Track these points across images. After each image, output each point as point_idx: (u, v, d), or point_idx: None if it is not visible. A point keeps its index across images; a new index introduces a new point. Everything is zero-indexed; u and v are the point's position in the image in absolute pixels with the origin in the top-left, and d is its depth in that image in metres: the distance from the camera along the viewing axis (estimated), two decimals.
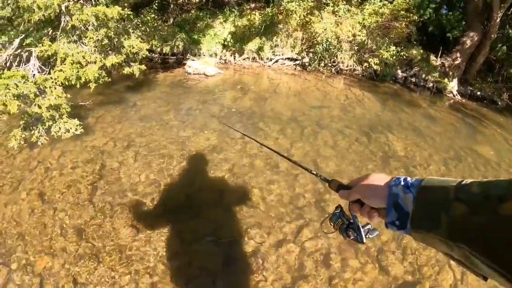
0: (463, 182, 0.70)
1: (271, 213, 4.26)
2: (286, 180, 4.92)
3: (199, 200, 4.43)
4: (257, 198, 4.50)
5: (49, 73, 5.98)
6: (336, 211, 1.15)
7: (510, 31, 11.88)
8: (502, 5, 10.60)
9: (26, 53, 6.12)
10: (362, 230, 1.03)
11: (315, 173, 1.31)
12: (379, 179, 0.91)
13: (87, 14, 6.04)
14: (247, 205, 4.38)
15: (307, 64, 11.95)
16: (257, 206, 4.36)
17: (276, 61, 12.07)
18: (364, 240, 1.04)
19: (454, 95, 11.73)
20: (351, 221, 1.07)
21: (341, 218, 1.12)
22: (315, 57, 11.64)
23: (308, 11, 11.42)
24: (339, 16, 11.85)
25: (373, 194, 0.90)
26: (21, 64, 6.10)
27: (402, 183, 0.82)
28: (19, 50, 6.03)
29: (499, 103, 11.89)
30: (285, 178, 4.97)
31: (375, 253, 3.82)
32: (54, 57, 6.02)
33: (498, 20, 10.81)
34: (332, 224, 1.15)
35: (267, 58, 11.98)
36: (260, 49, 11.73)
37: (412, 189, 0.79)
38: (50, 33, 6.51)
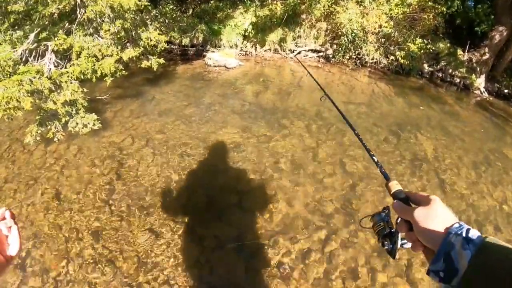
0: None
1: (297, 219, 4.02)
2: (312, 184, 4.65)
3: (221, 202, 4.22)
4: (282, 203, 4.25)
5: (65, 67, 5.80)
6: (382, 213, 1.03)
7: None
8: None
9: (42, 47, 5.95)
10: (398, 244, 0.93)
11: (376, 160, 1.25)
12: (442, 216, 0.79)
13: (102, 6, 5.81)
14: (271, 209, 4.14)
15: (331, 56, 11.57)
16: (282, 211, 4.12)
17: (299, 53, 11.72)
18: (396, 257, 0.96)
19: (481, 92, 11.16)
20: (393, 230, 0.96)
21: (383, 222, 1.00)
22: (340, 49, 11.22)
23: (333, 1, 11.00)
24: (364, 7, 11.37)
25: (428, 232, 0.79)
26: (37, 59, 5.93)
27: (464, 234, 0.71)
28: (34, 45, 5.86)
29: None
30: (311, 181, 4.71)
31: (404, 267, 3.57)
32: (70, 51, 5.85)
33: None
34: (372, 223, 1.05)
35: (290, 50, 11.65)
36: (282, 40, 11.38)
37: (471, 245, 0.69)
38: (66, 26, 6.33)
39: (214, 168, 4.86)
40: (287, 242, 3.68)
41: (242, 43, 11.40)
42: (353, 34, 10.92)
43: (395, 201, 0.93)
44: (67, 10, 6.07)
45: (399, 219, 0.90)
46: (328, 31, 11.59)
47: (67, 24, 6.33)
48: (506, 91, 11.30)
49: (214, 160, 5.00)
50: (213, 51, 10.59)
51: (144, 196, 4.16)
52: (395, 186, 0.99)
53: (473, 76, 11.09)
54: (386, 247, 0.96)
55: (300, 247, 3.64)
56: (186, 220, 3.88)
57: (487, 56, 11.20)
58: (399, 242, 0.92)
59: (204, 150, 5.19)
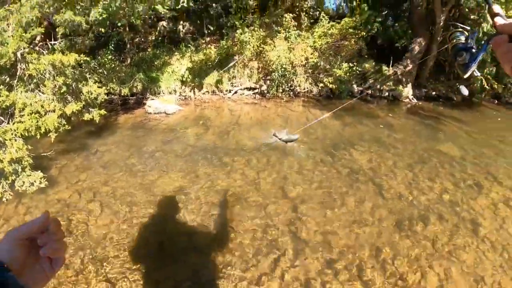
0: None
1: (246, 249, 4.27)
2: (256, 213, 4.98)
3: (173, 245, 4.40)
4: (230, 236, 4.52)
5: (8, 123, 5.85)
6: (466, 31, 1.04)
7: (455, 31, 12.82)
8: (444, 9, 11.53)
9: None
10: (475, 62, 0.94)
11: None
12: None
13: (44, 63, 6.01)
14: (221, 244, 4.39)
15: (265, 91, 12.28)
16: (231, 243, 4.38)
17: (235, 92, 12.30)
18: (468, 74, 0.95)
19: (410, 100, 12.39)
20: (474, 50, 0.96)
21: (465, 38, 1.01)
22: (273, 84, 12.00)
23: (261, 41, 11.84)
24: (291, 42, 12.34)
25: None
26: None
27: None
28: None
29: (455, 98, 12.73)
30: (255, 210, 5.04)
31: (356, 271, 3.91)
32: (13, 107, 5.88)
33: (441, 23, 11.73)
34: (450, 39, 1.06)
35: (226, 90, 12.19)
36: (218, 81, 11.92)
37: None
38: (6, 81, 6.36)
39: (162, 213, 5.04)
40: (241, 272, 3.90)
41: (181, 88, 11.77)
42: (283, 69, 11.74)
43: (497, 17, 0.85)
44: (7, 65, 6.12)
45: (495, 35, 0.82)
46: (260, 69, 12.36)
47: (7, 78, 6.36)
48: (433, 93, 12.68)
49: (161, 206, 5.19)
50: (153, 99, 10.83)
51: (97, 249, 4.24)
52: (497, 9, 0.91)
53: (400, 87, 12.31)
54: (459, 60, 0.96)
55: (253, 274, 3.87)
56: (141, 267, 4.01)
57: (410, 66, 12.49)
58: (479, 59, 0.93)
59: (151, 197, 5.37)
